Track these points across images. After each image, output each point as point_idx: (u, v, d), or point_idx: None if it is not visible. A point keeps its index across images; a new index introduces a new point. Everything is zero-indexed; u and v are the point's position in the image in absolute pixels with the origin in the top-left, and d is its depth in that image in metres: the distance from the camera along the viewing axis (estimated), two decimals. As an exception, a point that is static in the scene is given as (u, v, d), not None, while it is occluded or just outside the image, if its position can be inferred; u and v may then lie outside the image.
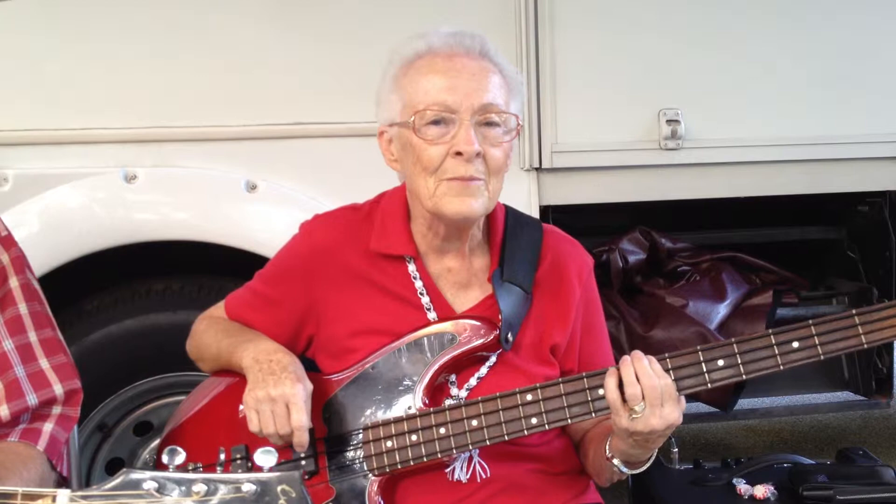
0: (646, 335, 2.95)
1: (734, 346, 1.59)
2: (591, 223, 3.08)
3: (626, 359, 1.57)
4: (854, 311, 1.58)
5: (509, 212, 1.85)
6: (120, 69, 2.51)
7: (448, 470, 1.70)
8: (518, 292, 1.74)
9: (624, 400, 1.54)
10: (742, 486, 2.15)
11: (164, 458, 1.17)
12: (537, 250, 1.80)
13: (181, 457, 1.17)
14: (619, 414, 1.55)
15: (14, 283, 1.63)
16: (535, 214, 2.66)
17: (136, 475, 1.14)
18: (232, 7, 2.56)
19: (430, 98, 1.63)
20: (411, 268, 1.77)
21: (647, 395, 1.53)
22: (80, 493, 1.14)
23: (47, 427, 1.60)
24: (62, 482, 1.65)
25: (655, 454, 1.65)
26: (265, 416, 1.62)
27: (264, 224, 2.51)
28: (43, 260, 2.32)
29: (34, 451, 1.57)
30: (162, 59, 2.53)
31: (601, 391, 1.59)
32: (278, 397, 1.62)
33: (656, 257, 3.16)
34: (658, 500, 2.21)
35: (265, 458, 1.18)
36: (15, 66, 2.49)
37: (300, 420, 1.61)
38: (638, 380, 1.54)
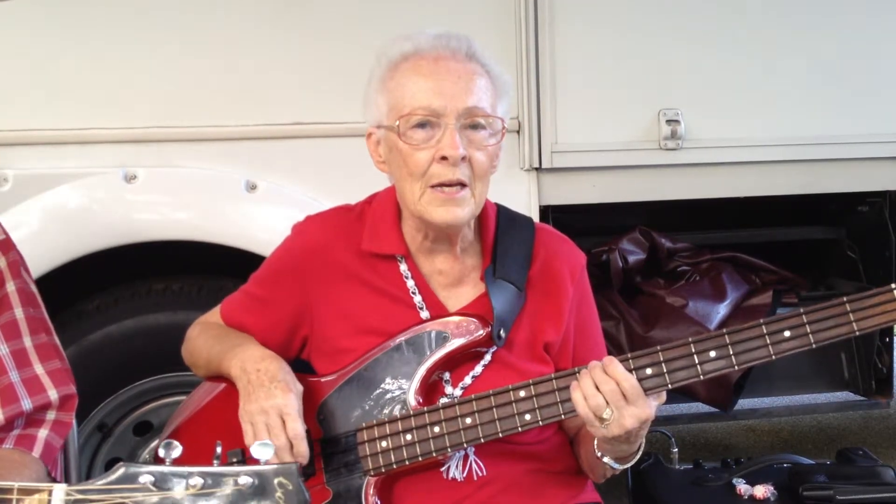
0: (646, 335, 2.95)
1: (726, 336, 1.59)
2: (591, 223, 3.09)
3: (583, 371, 1.58)
4: (845, 299, 1.57)
5: (501, 210, 1.84)
6: (120, 69, 2.51)
7: (443, 469, 1.70)
8: (511, 290, 1.74)
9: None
10: (742, 486, 2.15)
11: (161, 452, 1.17)
12: (530, 248, 1.80)
13: (178, 451, 1.17)
14: (594, 424, 1.56)
15: (11, 287, 1.62)
16: (535, 214, 2.66)
17: (132, 469, 1.14)
18: (232, 7, 2.56)
19: (416, 101, 1.63)
20: (403, 267, 1.77)
21: (610, 401, 1.54)
22: (75, 488, 1.14)
23: (42, 433, 1.60)
24: None
25: (643, 446, 1.65)
26: (260, 429, 1.63)
27: (264, 224, 2.51)
28: (43, 260, 2.33)
29: (29, 458, 1.57)
30: (162, 60, 2.53)
31: None
32: (271, 409, 1.63)
33: (656, 257, 3.16)
34: (658, 500, 2.21)
35: (262, 450, 1.18)
36: (15, 66, 2.49)
37: (296, 429, 1.62)
38: (598, 388, 1.55)
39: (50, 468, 1.62)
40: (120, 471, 1.14)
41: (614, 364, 1.56)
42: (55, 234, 2.45)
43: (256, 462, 1.17)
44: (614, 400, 1.54)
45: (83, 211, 2.49)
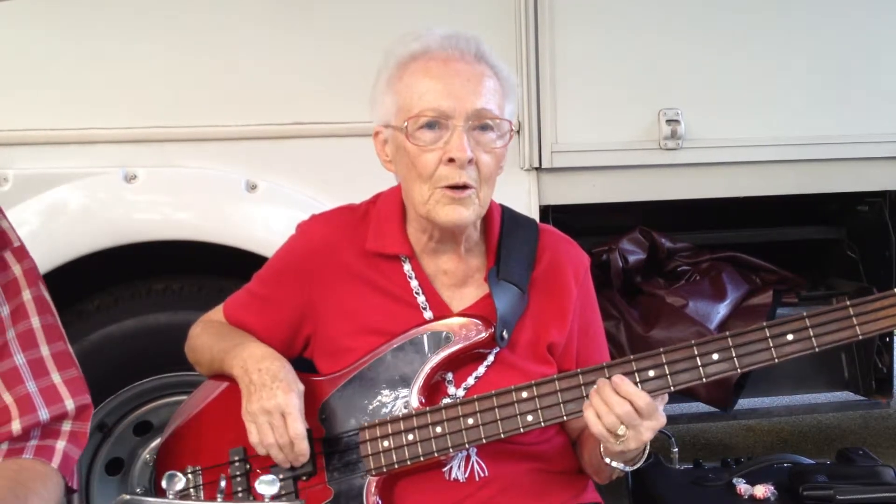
0: (646, 335, 2.95)
1: (728, 339, 1.59)
2: (592, 223, 3.09)
3: (593, 392, 1.57)
4: (849, 303, 1.57)
5: (506, 212, 1.85)
6: (120, 69, 2.51)
7: (445, 469, 1.70)
8: (514, 291, 1.74)
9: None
10: (742, 486, 2.14)
11: (164, 484, 1.15)
12: (534, 249, 1.80)
13: (181, 483, 1.16)
14: (608, 441, 1.57)
15: (27, 295, 1.61)
16: (535, 214, 2.66)
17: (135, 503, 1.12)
18: (232, 7, 2.56)
19: (425, 103, 1.63)
20: (407, 267, 1.78)
21: (625, 421, 1.54)
22: None
23: (60, 444, 1.58)
24: (69, 493, 1.64)
25: (648, 446, 1.64)
26: (263, 428, 1.63)
27: (264, 224, 2.51)
28: (43, 260, 2.30)
29: (50, 469, 1.56)
30: (162, 59, 2.53)
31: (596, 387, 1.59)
32: (273, 409, 1.63)
33: (656, 257, 3.16)
34: (658, 500, 2.21)
35: (267, 487, 1.17)
36: (15, 66, 2.49)
37: (296, 429, 1.62)
38: (611, 410, 1.55)
39: (68, 479, 1.61)
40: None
41: (625, 384, 1.55)
42: (55, 233, 2.45)
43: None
44: (629, 419, 1.54)
45: (83, 211, 2.48)
